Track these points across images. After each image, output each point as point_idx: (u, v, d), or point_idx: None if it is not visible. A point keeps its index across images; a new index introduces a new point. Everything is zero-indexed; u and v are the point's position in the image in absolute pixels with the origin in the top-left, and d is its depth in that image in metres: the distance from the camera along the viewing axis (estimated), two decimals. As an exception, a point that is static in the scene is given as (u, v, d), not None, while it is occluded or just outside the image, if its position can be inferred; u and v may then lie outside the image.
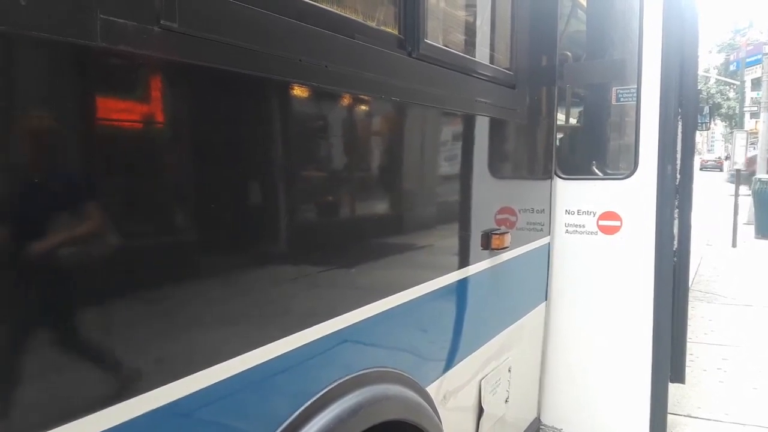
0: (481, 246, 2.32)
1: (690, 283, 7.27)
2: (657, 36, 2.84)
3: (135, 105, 1.01)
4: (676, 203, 3.16)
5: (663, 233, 2.90)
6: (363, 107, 1.67)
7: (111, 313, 0.99)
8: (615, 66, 3.49)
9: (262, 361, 1.29)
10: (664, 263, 2.92)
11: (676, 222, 3.17)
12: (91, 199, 0.96)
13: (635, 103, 2.95)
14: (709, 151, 54.77)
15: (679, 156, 3.19)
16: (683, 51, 2.98)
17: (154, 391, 1.05)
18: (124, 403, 1.00)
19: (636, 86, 2.94)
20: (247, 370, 1.25)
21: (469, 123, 2.26)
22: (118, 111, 0.99)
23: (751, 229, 11.64)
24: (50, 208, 0.91)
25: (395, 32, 1.75)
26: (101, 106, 0.96)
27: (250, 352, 1.26)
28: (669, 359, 3.07)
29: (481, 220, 2.33)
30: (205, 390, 1.15)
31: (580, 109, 4.19)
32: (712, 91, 39.85)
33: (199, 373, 1.14)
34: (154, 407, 1.05)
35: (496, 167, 2.47)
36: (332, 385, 1.53)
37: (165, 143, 1.09)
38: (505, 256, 2.52)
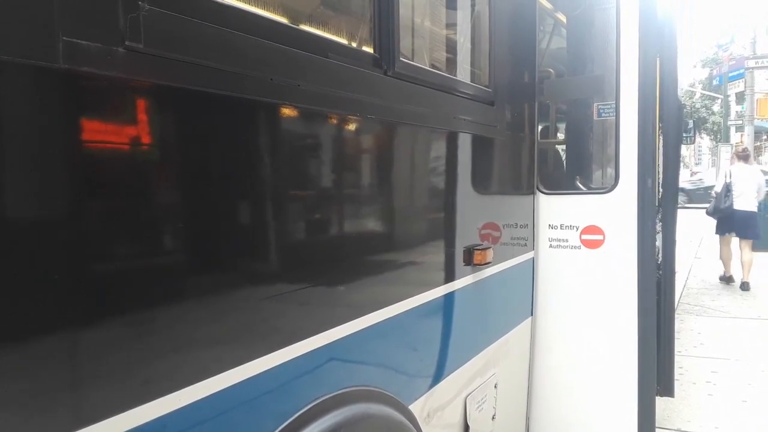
0: (464, 262, 2.32)
1: (678, 296, 7.35)
2: (634, 51, 2.88)
3: (101, 127, 1.01)
4: (659, 217, 3.18)
5: (645, 246, 2.91)
6: (338, 126, 1.68)
7: (89, 332, 0.99)
8: (594, 81, 3.54)
9: (241, 379, 1.28)
10: (647, 276, 2.93)
11: (659, 235, 3.18)
12: (55, 224, 0.96)
13: (615, 118, 2.98)
14: (696, 164, 55.54)
15: (661, 170, 3.22)
16: (662, 66, 3.02)
17: (131, 410, 1.04)
18: (104, 422, 0.99)
19: (615, 101, 2.97)
20: (225, 388, 1.24)
21: (446, 140, 2.27)
22: (83, 133, 0.99)
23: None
24: (19, 232, 0.90)
25: (370, 51, 1.77)
26: (65, 129, 0.96)
27: (228, 371, 1.25)
28: (655, 373, 3.07)
29: (462, 236, 2.34)
30: (184, 409, 1.14)
31: (563, 124, 4.23)
32: (697, 105, 40.38)
33: (177, 392, 1.13)
34: (132, 427, 1.04)
35: (476, 183, 2.48)
36: (311, 405, 1.52)
37: (134, 165, 1.09)
38: (489, 271, 2.53)
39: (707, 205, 8.74)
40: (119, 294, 1.05)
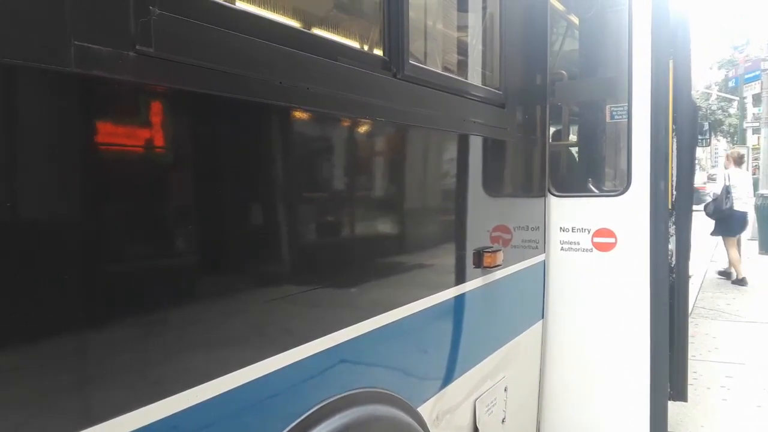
0: (474, 264, 2.32)
1: (693, 300, 7.27)
2: (646, 53, 2.86)
3: (111, 130, 1.03)
4: (672, 220, 3.15)
5: (657, 250, 2.88)
6: (348, 129, 1.69)
7: (106, 332, 1.01)
8: (606, 84, 3.51)
9: (248, 380, 1.29)
10: (659, 280, 2.90)
11: (673, 239, 3.15)
12: (68, 226, 0.97)
13: (627, 120, 2.96)
14: (713, 167, 55.04)
15: (675, 173, 3.19)
16: (675, 68, 3.00)
17: (142, 409, 1.05)
18: (116, 419, 1.01)
19: (627, 104, 2.95)
20: (232, 389, 1.25)
21: (456, 142, 2.27)
22: (94, 136, 1.00)
23: (755, 245, 11.60)
24: (31, 233, 0.92)
25: (380, 53, 1.77)
26: (76, 132, 0.97)
27: (235, 372, 1.26)
28: (668, 377, 3.04)
29: (472, 239, 2.33)
30: (193, 408, 1.15)
31: (574, 126, 4.21)
32: (714, 107, 39.93)
33: (184, 392, 1.14)
34: (142, 425, 1.05)
35: (486, 186, 2.48)
36: (319, 406, 1.52)
37: (144, 168, 1.11)
38: (499, 273, 2.52)
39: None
40: (134, 295, 1.07)
